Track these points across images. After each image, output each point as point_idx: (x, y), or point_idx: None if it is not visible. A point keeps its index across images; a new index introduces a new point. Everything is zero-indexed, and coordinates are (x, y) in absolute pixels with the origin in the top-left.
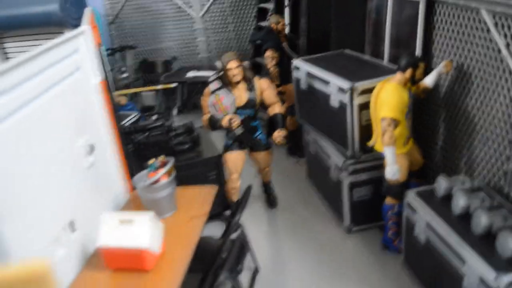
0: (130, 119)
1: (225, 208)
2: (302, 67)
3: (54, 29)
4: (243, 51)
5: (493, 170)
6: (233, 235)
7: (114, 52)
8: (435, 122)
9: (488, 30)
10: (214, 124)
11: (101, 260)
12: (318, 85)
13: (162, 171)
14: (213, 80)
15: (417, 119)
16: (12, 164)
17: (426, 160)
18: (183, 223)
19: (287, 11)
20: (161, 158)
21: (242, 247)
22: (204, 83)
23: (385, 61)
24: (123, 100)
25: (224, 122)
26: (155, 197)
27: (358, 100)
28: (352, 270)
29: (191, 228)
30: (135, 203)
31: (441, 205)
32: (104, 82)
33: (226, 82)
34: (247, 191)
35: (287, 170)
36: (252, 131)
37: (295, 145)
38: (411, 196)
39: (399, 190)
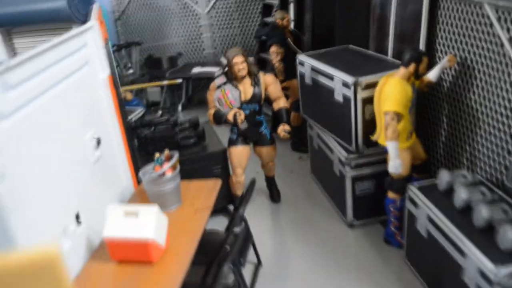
0: (136, 114)
1: (229, 202)
2: (306, 62)
3: (62, 25)
4: (248, 47)
5: (494, 164)
6: (237, 229)
7: (120, 48)
8: (437, 116)
9: (491, 25)
10: (219, 118)
11: (106, 253)
12: (322, 80)
13: (168, 164)
14: (219, 75)
15: (420, 113)
16: (20, 156)
17: (428, 155)
18: (187, 216)
19: (292, 7)
20: (166, 152)
21: (246, 240)
22: (209, 79)
23: (389, 56)
24: (129, 96)
25: (229, 116)
26: (161, 191)
27: (362, 95)
28: (354, 264)
29: (196, 221)
30: (140, 197)
31: (443, 199)
32: (111, 77)
33: (232, 77)
34: (251, 185)
35: (291, 165)
36: (257, 125)
37: (299, 140)
38: (413, 190)
39: (401, 184)
